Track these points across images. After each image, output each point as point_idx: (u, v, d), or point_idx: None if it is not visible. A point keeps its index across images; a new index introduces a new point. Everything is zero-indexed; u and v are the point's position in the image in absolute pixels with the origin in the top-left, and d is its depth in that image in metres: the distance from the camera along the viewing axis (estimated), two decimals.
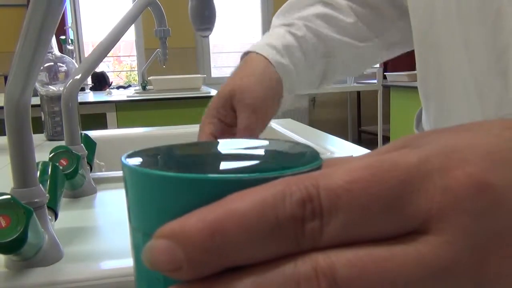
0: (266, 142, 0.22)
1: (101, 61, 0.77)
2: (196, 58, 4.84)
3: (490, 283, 0.16)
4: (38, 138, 1.16)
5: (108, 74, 3.76)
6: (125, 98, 2.64)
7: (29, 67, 0.40)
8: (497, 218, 0.16)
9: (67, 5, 4.15)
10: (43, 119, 1.18)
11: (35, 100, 0.96)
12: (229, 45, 5.00)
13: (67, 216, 0.58)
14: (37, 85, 1.13)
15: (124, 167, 0.19)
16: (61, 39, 2.87)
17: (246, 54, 0.60)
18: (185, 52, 4.64)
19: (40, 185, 0.43)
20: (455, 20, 0.44)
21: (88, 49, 4.55)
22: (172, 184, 0.17)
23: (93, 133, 1.18)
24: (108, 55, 0.79)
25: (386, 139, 3.94)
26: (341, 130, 4.96)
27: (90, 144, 0.77)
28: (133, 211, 0.19)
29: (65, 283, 0.41)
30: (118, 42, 0.79)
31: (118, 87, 3.76)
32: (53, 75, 1.13)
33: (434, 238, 0.15)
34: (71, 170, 0.61)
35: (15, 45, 0.39)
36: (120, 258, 0.45)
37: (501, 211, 0.16)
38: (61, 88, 0.82)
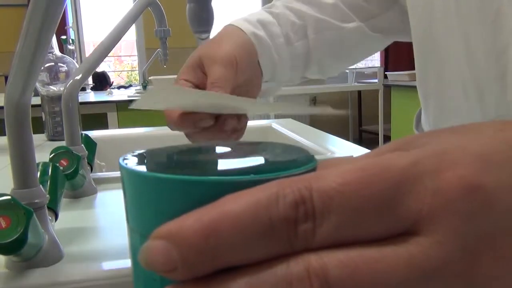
0: (260, 144, 0.22)
1: (102, 61, 0.77)
2: None
3: (481, 284, 0.16)
4: (38, 138, 1.16)
5: (109, 74, 3.77)
6: (126, 98, 2.64)
7: (29, 68, 0.40)
8: (489, 219, 0.16)
9: (68, 5, 4.15)
10: (43, 119, 1.18)
11: (36, 100, 0.96)
12: None
13: (68, 217, 0.58)
14: (38, 85, 1.13)
15: (122, 169, 0.19)
16: (62, 39, 2.87)
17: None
18: (185, 52, 4.58)
19: (41, 185, 0.43)
20: (454, 20, 0.44)
21: (89, 49, 4.54)
22: (168, 186, 0.17)
23: (93, 133, 1.18)
24: (109, 55, 0.79)
25: (387, 139, 3.94)
26: (342, 129, 4.96)
27: (91, 144, 0.77)
28: (131, 212, 0.19)
29: (65, 284, 0.42)
30: (119, 42, 0.79)
31: (119, 87, 3.76)
32: (54, 75, 1.13)
33: (425, 239, 0.15)
34: (71, 170, 0.61)
35: (15, 45, 0.39)
36: (120, 259, 0.46)
37: (493, 212, 0.16)
38: (62, 88, 0.82)
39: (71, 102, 0.69)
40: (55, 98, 1.15)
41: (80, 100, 0.77)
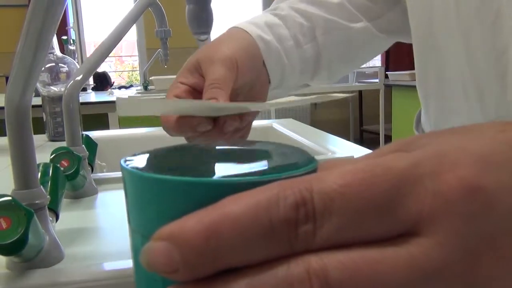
0: (261, 145, 0.22)
1: (103, 61, 0.77)
2: None
3: (481, 284, 0.16)
4: (39, 139, 1.17)
5: (110, 74, 3.77)
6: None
7: (29, 68, 0.40)
8: (489, 220, 0.16)
9: (69, 5, 4.15)
10: (44, 119, 1.19)
11: (37, 101, 0.96)
12: None
13: (68, 217, 0.58)
14: (39, 85, 1.13)
15: (123, 170, 0.19)
16: (63, 39, 2.87)
17: None
18: (186, 52, 4.58)
19: (41, 186, 0.43)
20: (454, 20, 0.44)
21: (90, 49, 4.55)
22: (169, 187, 0.17)
23: (94, 134, 1.18)
24: (110, 55, 0.79)
25: (388, 139, 3.94)
26: (343, 129, 4.96)
27: (91, 145, 0.77)
28: (132, 213, 0.19)
29: (66, 284, 0.42)
30: (120, 42, 0.79)
31: (120, 87, 3.77)
32: (55, 75, 1.13)
33: (426, 240, 0.15)
34: (72, 171, 0.61)
35: (16, 45, 0.39)
36: (121, 259, 0.45)
37: (493, 213, 0.16)
38: (63, 89, 0.82)
39: (72, 103, 0.69)
40: (56, 99, 1.15)
41: (81, 101, 0.77)
